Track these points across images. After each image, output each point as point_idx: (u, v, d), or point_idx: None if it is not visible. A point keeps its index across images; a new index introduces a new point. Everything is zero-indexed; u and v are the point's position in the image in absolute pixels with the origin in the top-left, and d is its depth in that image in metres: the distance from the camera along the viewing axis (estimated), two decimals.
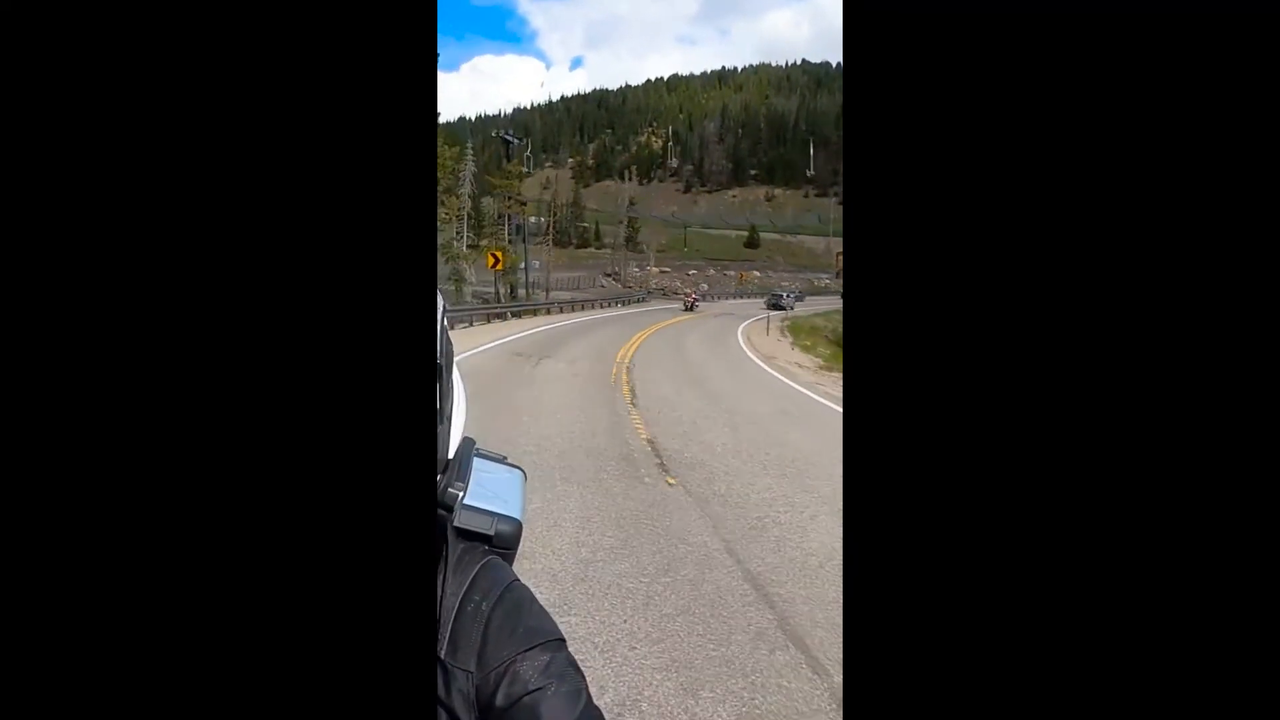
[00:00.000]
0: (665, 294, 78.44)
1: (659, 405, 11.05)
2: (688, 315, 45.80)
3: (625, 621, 4.05)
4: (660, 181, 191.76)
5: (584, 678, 0.78)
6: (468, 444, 0.85)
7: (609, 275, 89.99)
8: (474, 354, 16.37)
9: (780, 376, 16.81)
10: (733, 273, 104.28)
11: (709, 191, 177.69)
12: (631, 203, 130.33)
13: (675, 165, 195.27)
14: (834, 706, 3.39)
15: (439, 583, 0.78)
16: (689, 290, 64.88)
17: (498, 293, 41.24)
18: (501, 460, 1.07)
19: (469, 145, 52.00)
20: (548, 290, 48.33)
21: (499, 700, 0.72)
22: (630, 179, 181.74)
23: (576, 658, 0.82)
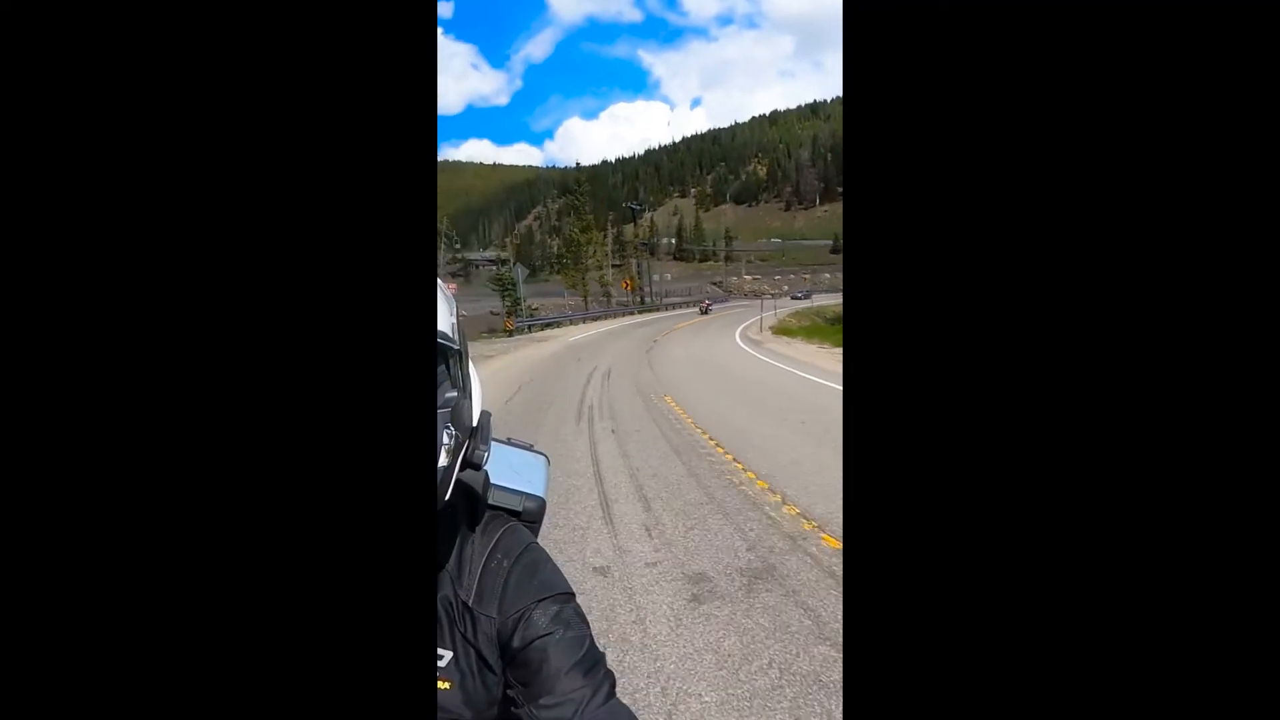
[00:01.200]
0: (755, 295, 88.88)
1: (668, 340, 25.81)
2: (728, 309, 54.04)
3: (628, 350, 19.60)
4: (765, 203, 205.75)
5: (589, 626, 0.81)
6: (486, 415, 0.87)
7: (714, 284, 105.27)
8: (612, 326, 33.64)
9: (736, 336, 27.69)
10: (809, 276, 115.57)
11: (804, 209, 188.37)
12: (727, 233, 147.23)
13: (777, 188, 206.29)
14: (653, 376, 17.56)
15: (469, 538, 0.85)
16: (704, 297, 68.46)
17: (630, 300, 59.33)
18: (529, 448, 1.17)
19: (610, 228, 69.05)
20: (662, 297, 66.12)
21: (515, 642, 0.76)
22: (742, 203, 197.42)
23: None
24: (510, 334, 30.93)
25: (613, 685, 0.77)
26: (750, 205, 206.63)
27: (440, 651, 0.77)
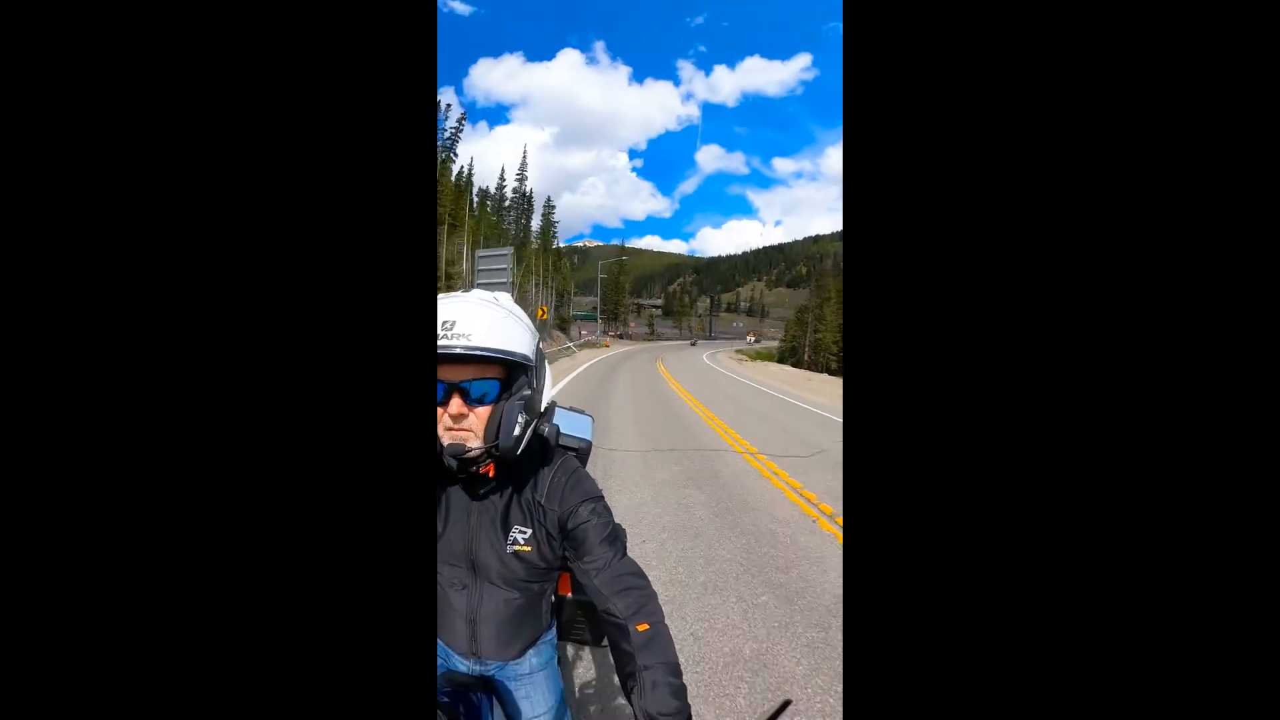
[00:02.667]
0: (773, 338, 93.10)
1: (684, 350, 38.35)
2: (711, 341, 62.77)
3: (670, 348, 36.21)
4: (804, 288, 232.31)
5: (612, 515, 0.88)
6: (552, 403, 0.91)
7: (754, 331, 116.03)
8: (683, 342, 51.05)
9: (704, 356, 31.34)
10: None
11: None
12: (765, 306, 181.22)
13: (810, 280, 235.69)
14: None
15: (542, 465, 0.90)
16: (693, 336, 75.71)
17: (704, 333, 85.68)
18: (581, 412, 1.20)
19: (713, 298, 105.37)
20: (715, 332, 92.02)
21: (569, 525, 0.85)
22: (791, 287, 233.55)
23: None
24: (650, 341, 60.22)
25: (624, 548, 0.86)
26: (795, 289, 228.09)
27: (524, 529, 0.86)
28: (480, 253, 12.32)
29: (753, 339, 39.85)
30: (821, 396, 12.90)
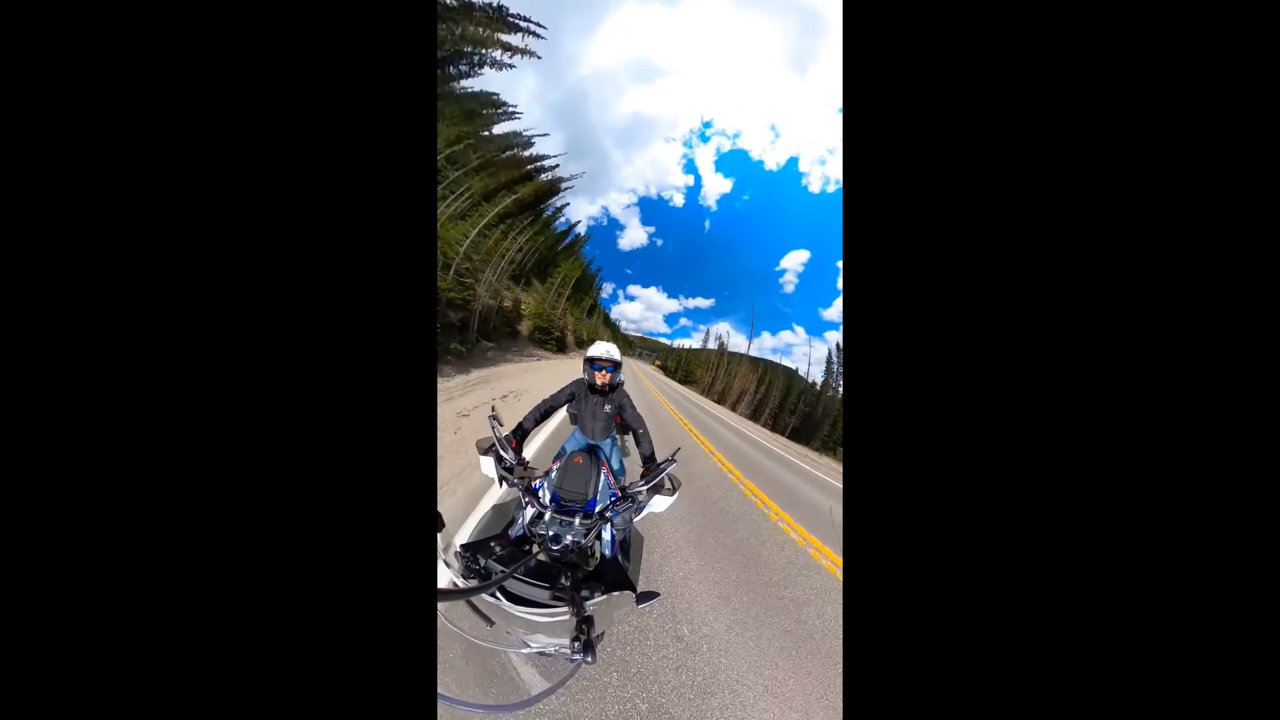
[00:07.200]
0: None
1: (640, 360, 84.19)
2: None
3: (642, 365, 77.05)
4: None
5: (632, 400, 2.39)
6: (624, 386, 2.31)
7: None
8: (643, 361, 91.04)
9: (651, 366, 73.14)
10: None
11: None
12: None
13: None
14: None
15: (616, 390, 2.40)
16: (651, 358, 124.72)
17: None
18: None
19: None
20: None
21: (622, 406, 2.37)
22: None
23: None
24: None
25: (634, 406, 2.36)
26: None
27: (610, 406, 2.33)
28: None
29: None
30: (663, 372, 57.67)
